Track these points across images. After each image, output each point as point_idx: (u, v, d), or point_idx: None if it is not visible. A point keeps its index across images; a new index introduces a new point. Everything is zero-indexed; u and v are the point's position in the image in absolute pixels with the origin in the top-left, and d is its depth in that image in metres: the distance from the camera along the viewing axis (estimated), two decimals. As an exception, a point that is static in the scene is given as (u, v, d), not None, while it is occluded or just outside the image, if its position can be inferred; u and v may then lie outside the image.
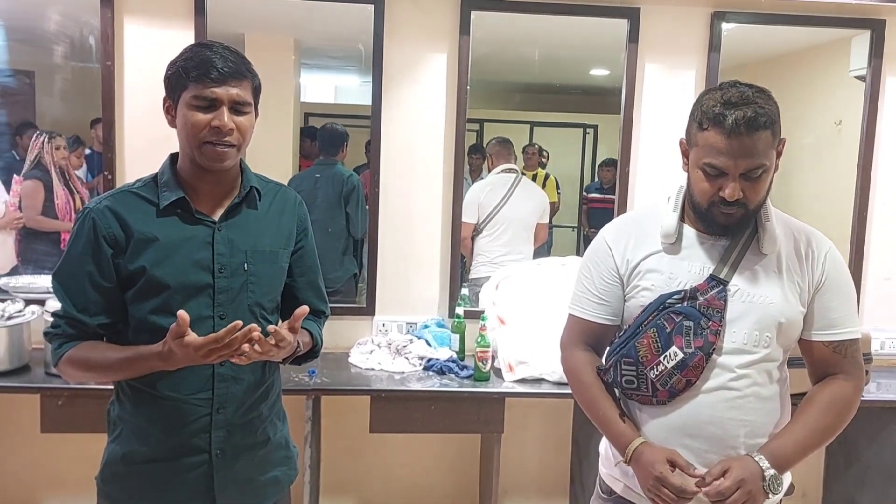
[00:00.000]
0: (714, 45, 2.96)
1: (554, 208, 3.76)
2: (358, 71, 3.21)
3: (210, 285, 1.45)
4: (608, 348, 1.58)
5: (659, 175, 3.03)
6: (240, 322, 1.30)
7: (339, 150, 3.31)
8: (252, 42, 3.10)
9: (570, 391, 2.52)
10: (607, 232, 1.63)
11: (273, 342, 1.34)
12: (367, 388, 2.56)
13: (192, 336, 1.29)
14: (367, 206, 3.06)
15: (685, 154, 1.50)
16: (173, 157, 1.52)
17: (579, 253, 3.74)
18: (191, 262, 1.44)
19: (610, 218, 3.09)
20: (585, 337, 1.62)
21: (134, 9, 2.76)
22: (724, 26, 2.96)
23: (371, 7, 2.81)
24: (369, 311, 3.00)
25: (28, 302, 2.64)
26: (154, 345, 1.36)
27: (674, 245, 1.52)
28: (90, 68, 2.88)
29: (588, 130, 4.07)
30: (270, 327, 1.35)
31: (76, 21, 2.94)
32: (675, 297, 1.47)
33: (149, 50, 2.77)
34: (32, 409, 2.40)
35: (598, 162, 3.95)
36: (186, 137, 1.42)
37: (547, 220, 3.54)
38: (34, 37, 3.12)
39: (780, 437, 1.46)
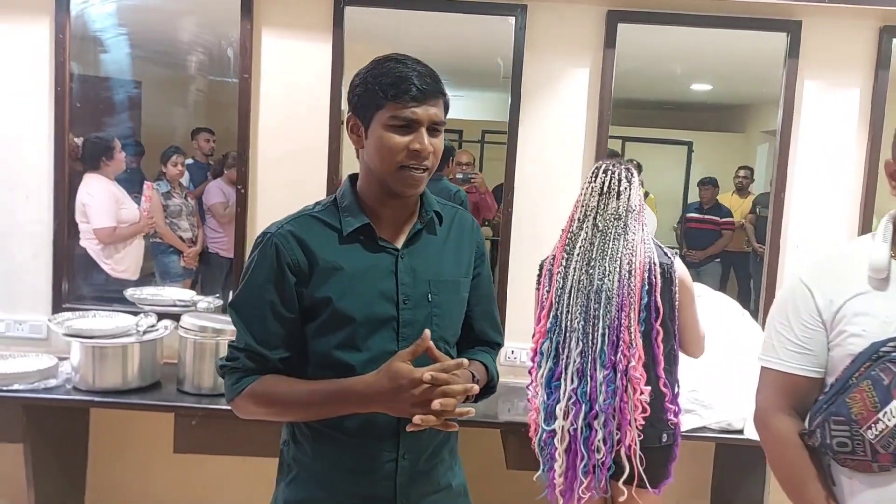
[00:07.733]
0: (882, 62, 2.74)
1: (653, 228, 3.55)
2: (495, 86, 3.10)
3: (394, 318, 1.35)
4: (813, 407, 1.38)
5: (818, 204, 2.80)
6: (465, 360, 1.25)
7: (444, 165, 3.23)
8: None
9: (709, 434, 2.36)
10: (804, 272, 1.44)
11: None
12: (496, 420, 2.44)
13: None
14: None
15: (893, 176, 1.34)
16: (352, 179, 1.41)
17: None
18: (376, 293, 1.34)
19: (708, 239, 2.91)
20: (787, 397, 1.42)
21: (273, 21, 2.72)
22: (896, 42, 2.72)
23: (512, 19, 2.70)
24: (498, 338, 2.85)
25: (159, 315, 2.61)
26: (359, 377, 1.27)
27: (884, 281, 1.33)
28: (209, 80, 2.90)
29: (691, 148, 3.83)
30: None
31: (213, 33, 2.94)
32: (891, 344, 1.28)
33: (285, 62, 2.73)
34: (165, 427, 2.36)
35: (696, 181, 3.72)
36: (381, 161, 1.30)
37: (651, 239, 3.36)
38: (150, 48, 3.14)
39: None
